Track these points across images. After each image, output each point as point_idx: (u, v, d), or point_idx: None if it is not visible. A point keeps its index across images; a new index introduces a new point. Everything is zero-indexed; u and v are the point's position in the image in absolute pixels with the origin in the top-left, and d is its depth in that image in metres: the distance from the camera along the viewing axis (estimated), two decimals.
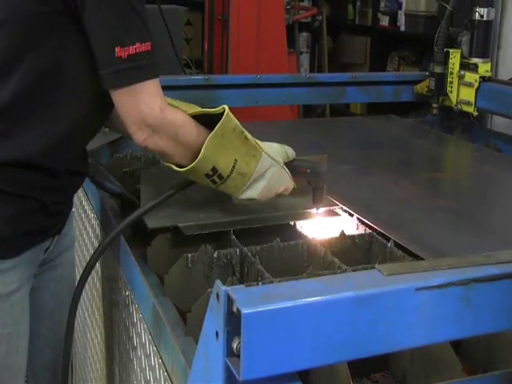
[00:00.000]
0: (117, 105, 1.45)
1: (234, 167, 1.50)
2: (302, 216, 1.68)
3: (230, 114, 1.49)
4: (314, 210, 1.69)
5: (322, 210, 1.70)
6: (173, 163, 1.51)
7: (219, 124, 1.47)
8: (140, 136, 1.45)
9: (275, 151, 1.58)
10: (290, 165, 1.62)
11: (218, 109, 1.50)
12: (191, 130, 1.49)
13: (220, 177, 1.50)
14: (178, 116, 1.49)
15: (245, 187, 1.54)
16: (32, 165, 1.51)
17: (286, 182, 1.60)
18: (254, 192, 1.55)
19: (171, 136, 1.46)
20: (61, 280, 1.80)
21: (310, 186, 1.68)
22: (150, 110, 1.42)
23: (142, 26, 1.42)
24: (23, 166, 1.51)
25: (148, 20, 1.45)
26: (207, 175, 1.49)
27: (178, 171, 1.50)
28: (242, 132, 1.50)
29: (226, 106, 1.49)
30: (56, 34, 1.46)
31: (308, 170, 1.67)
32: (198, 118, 1.52)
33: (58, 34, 1.46)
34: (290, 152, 1.64)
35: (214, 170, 1.48)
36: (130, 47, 1.39)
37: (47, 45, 1.47)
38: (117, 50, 1.39)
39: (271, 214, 1.65)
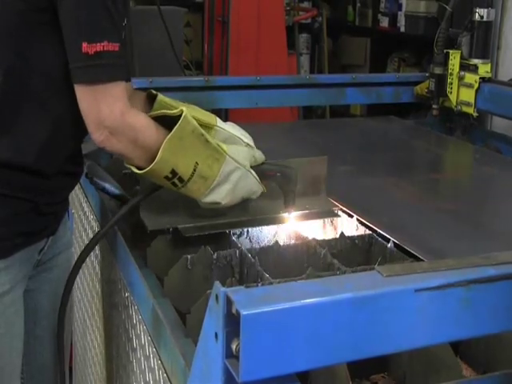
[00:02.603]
0: (78, 100, 1.45)
1: (194, 170, 1.48)
2: (301, 217, 1.68)
3: (188, 116, 1.47)
4: (297, 212, 1.66)
5: (321, 210, 1.70)
6: (132, 165, 1.50)
7: (176, 127, 1.45)
8: (98, 137, 1.45)
9: (241, 155, 1.56)
10: (258, 168, 1.59)
11: (176, 111, 1.49)
12: (151, 134, 1.47)
13: (180, 180, 1.48)
14: (139, 119, 1.48)
15: (208, 190, 1.51)
16: (22, 166, 1.52)
17: (252, 186, 1.57)
18: (218, 196, 1.53)
19: (130, 139, 1.46)
20: (56, 281, 1.79)
21: (281, 189, 1.64)
22: (109, 111, 1.42)
23: (112, 26, 1.42)
24: (13, 167, 1.51)
25: (121, 24, 1.46)
26: (167, 178, 1.48)
27: (137, 173, 1.49)
28: (202, 135, 1.49)
29: (184, 108, 1.48)
30: (41, 31, 1.47)
31: (278, 174, 1.65)
32: (162, 120, 1.51)
33: (43, 31, 1.46)
34: (259, 155, 1.61)
35: (174, 172, 1.47)
36: (98, 44, 1.39)
37: (33, 43, 1.48)
38: (84, 45, 1.39)
39: (271, 216, 1.65)
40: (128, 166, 1.52)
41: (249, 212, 1.64)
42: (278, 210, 1.65)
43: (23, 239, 1.60)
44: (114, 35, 1.42)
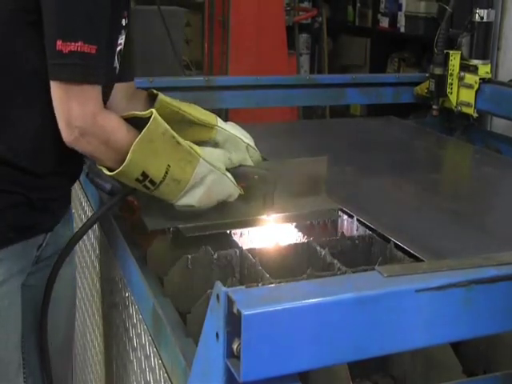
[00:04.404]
0: (52, 97, 1.44)
1: (166, 173, 1.46)
2: (302, 217, 1.68)
3: (159, 118, 1.46)
4: (266, 217, 1.64)
5: (322, 211, 1.70)
6: (104, 166, 1.49)
7: (145, 128, 1.44)
8: (68, 136, 1.44)
9: (216, 157, 1.54)
10: (235, 171, 1.58)
11: (146, 112, 1.47)
12: (122, 136, 1.46)
13: (152, 182, 1.47)
14: (110, 121, 1.47)
15: (181, 193, 1.50)
16: (15, 164, 1.52)
17: (228, 189, 1.55)
18: (192, 199, 1.51)
19: (102, 141, 1.45)
20: (57, 280, 1.78)
21: (259, 192, 1.63)
22: (81, 111, 1.42)
23: (90, 28, 1.41)
24: (6, 164, 1.51)
25: (103, 27, 1.44)
26: (138, 180, 1.46)
27: (108, 175, 1.48)
28: (174, 137, 1.47)
29: (153, 110, 1.46)
30: (30, 31, 1.47)
31: (255, 176, 1.63)
32: (135, 122, 1.49)
33: (32, 31, 1.46)
34: (235, 158, 1.60)
35: (145, 175, 1.45)
36: (73, 44, 1.39)
37: (22, 42, 1.48)
38: (58, 43, 1.39)
39: (272, 215, 1.65)
40: (99, 167, 1.51)
41: (226, 215, 1.61)
42: (256, 212, 1.63)
43: (17, 233, 1.59)
44: (92, 37, 1.41)
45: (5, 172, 1.53)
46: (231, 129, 1.71)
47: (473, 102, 2.68)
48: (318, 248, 1.49)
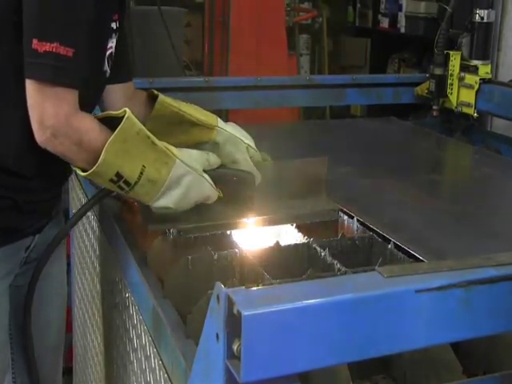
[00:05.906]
0: (27, 95, 1.43)
1: (141, 173, 1.43)
2: (302, 218, 1.68)
3: (133, 117, 1.44)
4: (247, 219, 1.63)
5: (322, 211, 1.70)
6: (77, 167, 1.48)
7: (119, 128, 1.42)
8: (40, 136, 1.43)
9: (193, 158, 1.52)
10: (213, 173, 1.56)
11: (119, 112, 1.45)
12: (95, 136, 1.44)
13: (127, 183, 1.44)
14: (84, 122, 1.45)
15: (158, 195, 1.47)
16: (1, 166, 1.52)
17: (206, 191, 1.53)
18: (168, 200, 1.49)
19: (74, 142, 1.43)
20: (47, 278, 1.77)
21: (238, 194, 1.62)
22: (54, 112, 1.41)
23: (68, 31, 1.41)
24: None
25: (84, 31, 1.43)
26: (112, 181, 1.44)
27: (81, 175, 1.47)
28: (148, 137, 1.45)
29: (127, 109, 1.44)
30: (14, 31, 1.45)
31: (234, 178, 1.61)
32: (109, 122, 1.48)
33: (16, 31, 1.45)
34: (213, 160, 1.58)
35: (119, 175, 1.43)
36: (48, 44, 1.38)
37: (7, 42, 1.48)
38: (34, 41, 1.38)
39: (273, 216, 1.65)
40: (74, 168, 1.50)
41: (205, 217, 1.59)
42: (236, 214, 1.61)
43: (4, 236, 1.59)
44: (69, 40, 1.40)
45: None
46: (232, 129, 1.70)
47: (473, 102, 2.69)
48: (318, 248, 1.49)
